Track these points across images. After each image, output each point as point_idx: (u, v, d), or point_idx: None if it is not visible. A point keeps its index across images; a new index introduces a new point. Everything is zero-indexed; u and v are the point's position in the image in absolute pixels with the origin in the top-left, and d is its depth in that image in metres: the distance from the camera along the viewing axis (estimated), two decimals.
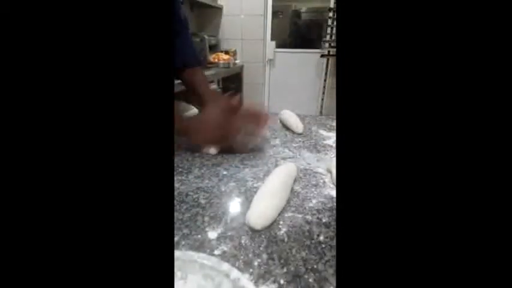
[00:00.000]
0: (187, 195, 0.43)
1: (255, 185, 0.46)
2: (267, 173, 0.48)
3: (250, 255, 0.31)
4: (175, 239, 0.33)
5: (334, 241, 0.33)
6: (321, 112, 2.78)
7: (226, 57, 2.41)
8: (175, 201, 0.41)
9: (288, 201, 0.41)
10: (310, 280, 0.28)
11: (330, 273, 0.29)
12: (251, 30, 2.65)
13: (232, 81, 2.66)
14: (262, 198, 0.39)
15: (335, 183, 0.46)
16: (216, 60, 2.34)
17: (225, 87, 2.43)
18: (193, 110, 0.76)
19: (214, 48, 2.53)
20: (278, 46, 2.69)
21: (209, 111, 0.59)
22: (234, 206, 0.40)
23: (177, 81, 0.73)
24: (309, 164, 0.54)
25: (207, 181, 0.47)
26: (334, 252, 0.32)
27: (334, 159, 0.52)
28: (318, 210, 0.39)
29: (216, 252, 0.31)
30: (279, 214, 0.38)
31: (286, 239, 0.34)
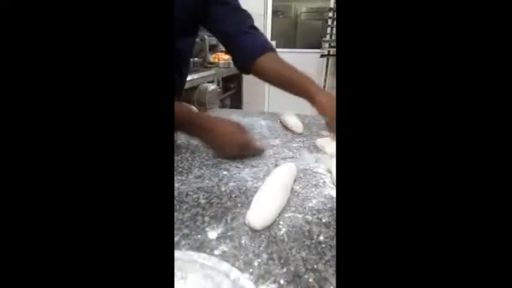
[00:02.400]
0: (187, 195, 0.43)
1: (255, 185, 0.46)
2: (267, 173, 0.48)
3: (250, 255, 0.31)
4: (175, 239, 0.33)
5: (334, 241, 0.33)
6: None
7: (226, 57, 2.41)
8: (175, 201, 0.41)
9: (288, 201, 0.41)
10: (310, 280, 0.28)
11: (330, 273, 0.29)
12: None
13: (232, 81, 2.66)
14: (262, 198, 0.39)
15: (335, 183, 0.46)
16: (216, 60, 2.34)
17: (225, 87, 2.43)
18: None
19: (214, 48, 2.52)
20: (278, 46, 2.69)
21: (229, 129, 0.54)
22: (234, 206, 0.40)
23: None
24: (309, 164, 0.54)
25: (207, 181, 0.47)
26: (334, 252, 0.32)
27: (334, 159, 0.52)
28: (318, 210, 0.39)
29: (216, 252, 0.31)
30: (279, 214, 0.38)
31: (286, 239, 0.34)
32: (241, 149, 0.54)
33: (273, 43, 2.63)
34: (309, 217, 0.38)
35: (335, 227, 0.36)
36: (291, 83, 0.63)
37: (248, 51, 0.65)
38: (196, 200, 0.41)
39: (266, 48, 0.66)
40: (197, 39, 2.23)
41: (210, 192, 0.44)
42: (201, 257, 0.28)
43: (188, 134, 0.56)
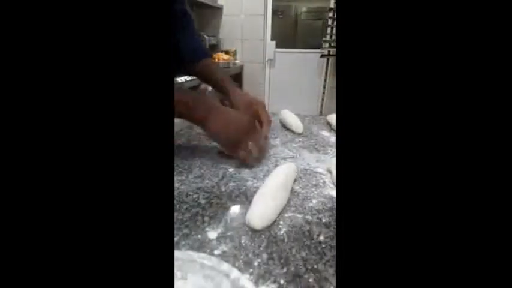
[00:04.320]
0: (187, 195, 0.43)
1: (255, 185, 0.46)
2: (267, 173, 0.48)
3: (250, 255, 0.31)
4: (175, 239, 0.33)
5: (334, 241, 0.33)
6: (321, 112, 2.78)
7: (226, 57, 2.41)
8: (175, 201, 0.41)
9: (288, 201, 0.41)
10: (310, 280, 0.28)
11: (330, 273, 0.29)
12: (251, 30, 2.65)
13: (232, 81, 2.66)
14: (262, 198, 0.39)
15: (335, 183, 0.46)
16: (216, 60, 2.34)
17: None
18: None
19: (214, 48, 2.52)
20: (278, 46, 2.69)
21: (235, 114, 0.54)
22: (234, 206, 0.40)
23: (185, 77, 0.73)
24: (308, 164, 0.54)
25: (207, 181, 0.47)
26: (334, 252, 0.32)
27: (334, 159, 0.52)
28: (318, 210, 0.39)
29: (216, 252, 0.31)
30: (279, 214, 0.38)
31: (286, 239, 0.34)
32: (235, 148, 0.51)
33: (273, 43, 2.65)
34: (309, 217, 0.38)
35: (335, 227, 0.36)
36: (218, 82, 0.72)
37: (197, 54, 0.73)
38: (196, 200, 0.41)
39: (207, 53, 0.76)
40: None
41: (210, 192, 0.44)
42: (201, 257, 0.28)
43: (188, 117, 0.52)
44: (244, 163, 0.52)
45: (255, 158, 0.52)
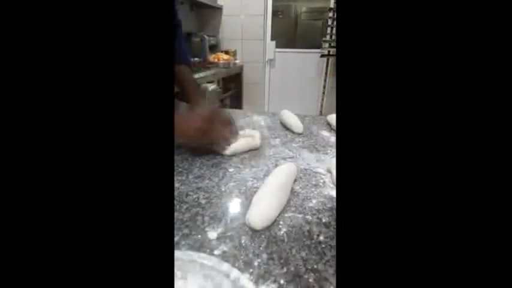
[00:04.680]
0: (187, 195, 0.43)
1: (255, 185, 0.46)
2: (267, 173, 0.48)
3: (250, 255, 0.31)
4: (175, 239, 0.33)
5: (334, 241, 0.33)
6: (321, 112, 2.78)
7: (226, 57, 2.41)
8: (175, 201, 0.41)
9: (288, 201, 0.41)
10: (310, 280, 0.28)
11: (330, 273, 0.29)
12: (251, 30, 2.65)
13: (232, 81, 2.66)
14: (262, 198, 0.39)
15: (335, 183, 0.46)
16: (216, 60, 2.34)
17: (225, 87, 2.43)
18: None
19: (214, 48, 2.52)
20: (278, 46, 2.69)
21: (192, 112, 0.59)
22: (234, 206, 0.40)
23: None
24: (308, 164, 0.54)
25: (207, 181, 0.47)
26: (334, 252, 0.32)
27: (334, 159, 0.52)
28: (318, 210, 0.39)
29: (216, 252, 0.31)
30: (279, 214, 0.38)
31: (286, 239, 0.34)
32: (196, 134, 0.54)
33: (273, 43, 2.65)
34: (309, 217, 0.38)
35: (335, 227, 0.36)
36: (186, 93, 0.73)
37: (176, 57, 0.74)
38: (196, 200, 0.41)
39: (185, 60, 0.77)
40: (197, 39, 2.24)
41: (210, 192, 0.44)
42: (201, 257, 0.28)
43: None
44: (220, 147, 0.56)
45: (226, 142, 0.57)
